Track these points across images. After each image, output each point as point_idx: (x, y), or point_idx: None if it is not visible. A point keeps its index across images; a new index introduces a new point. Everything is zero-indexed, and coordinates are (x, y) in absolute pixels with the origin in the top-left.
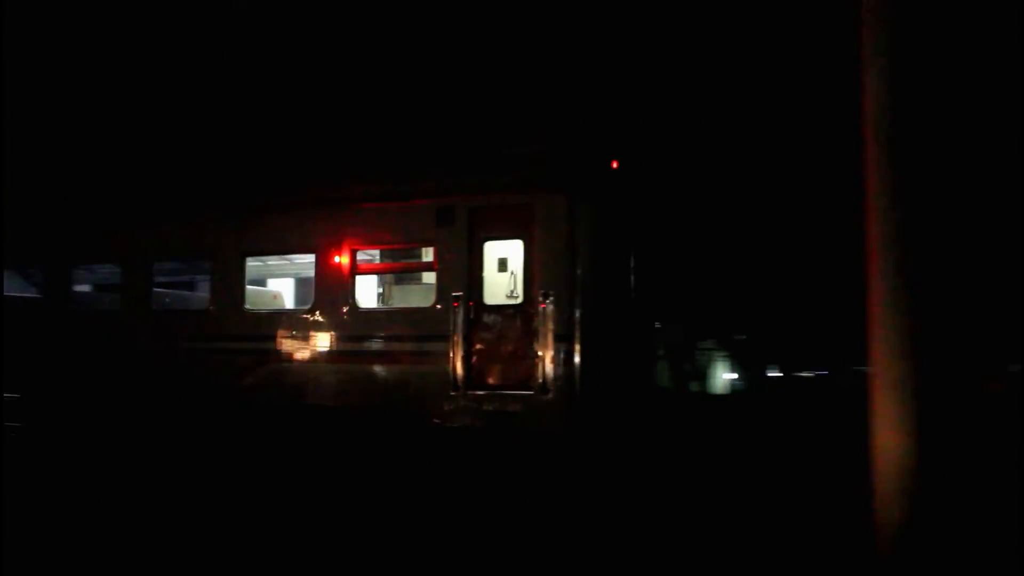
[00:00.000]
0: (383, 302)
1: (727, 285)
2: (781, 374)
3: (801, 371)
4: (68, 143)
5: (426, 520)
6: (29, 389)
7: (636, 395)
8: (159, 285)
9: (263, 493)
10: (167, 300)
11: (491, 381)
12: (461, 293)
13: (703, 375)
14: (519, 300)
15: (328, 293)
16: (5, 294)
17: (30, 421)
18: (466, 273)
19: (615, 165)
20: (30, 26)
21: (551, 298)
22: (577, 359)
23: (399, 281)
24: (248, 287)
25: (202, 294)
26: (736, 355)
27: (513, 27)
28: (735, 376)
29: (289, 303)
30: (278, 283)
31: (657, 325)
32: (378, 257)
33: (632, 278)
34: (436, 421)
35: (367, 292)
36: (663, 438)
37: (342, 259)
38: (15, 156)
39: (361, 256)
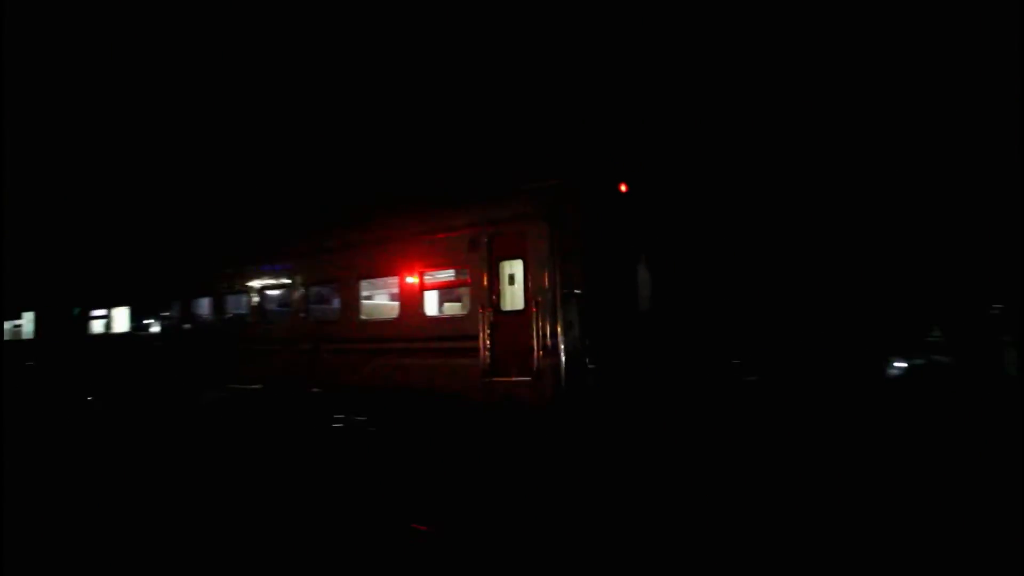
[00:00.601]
0: (439, 311)
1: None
2: None
3: None
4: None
5: (468, 459)
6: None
7: (614, 383)
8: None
9: (386, 437)
10: (314, 314)
11: (505, 370)
12: (484, 302)
13: None
14: (521, 307)
15: (407, 306)
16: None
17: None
18: (488, 286)
19: (581, 201)
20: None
21: (540, 305)
22: (562, 355)
23: (446, 293)
24: (363, 302)
25: (335, 307)
26: None
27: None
28: None
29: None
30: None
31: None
32: (437, 276)
33: (605, 287)
34: (474, 400)
35: (431, 304)
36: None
37: (414, 279)
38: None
39: (426, 277)
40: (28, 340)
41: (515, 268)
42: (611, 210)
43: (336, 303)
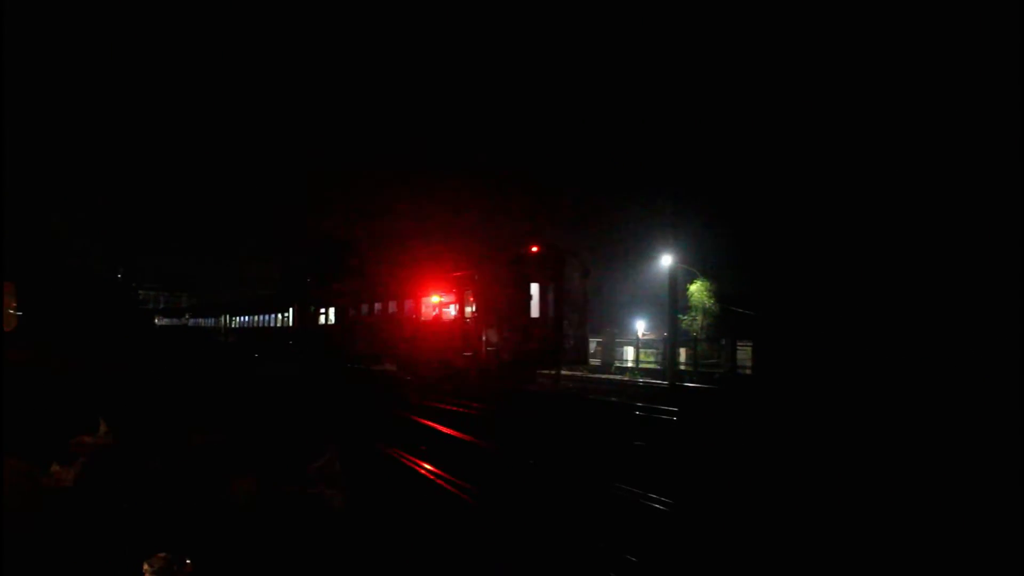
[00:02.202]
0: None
1: None
2: None
3: None
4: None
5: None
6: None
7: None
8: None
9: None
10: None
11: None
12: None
13: None
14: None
15: (422, 314)
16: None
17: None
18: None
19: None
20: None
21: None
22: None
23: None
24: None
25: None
26: None
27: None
28: None
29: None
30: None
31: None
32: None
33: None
34: (453, 362)
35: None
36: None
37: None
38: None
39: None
40: (287, 328)
41: (469, 299)
42: (509, 270)
43: (393, 311)
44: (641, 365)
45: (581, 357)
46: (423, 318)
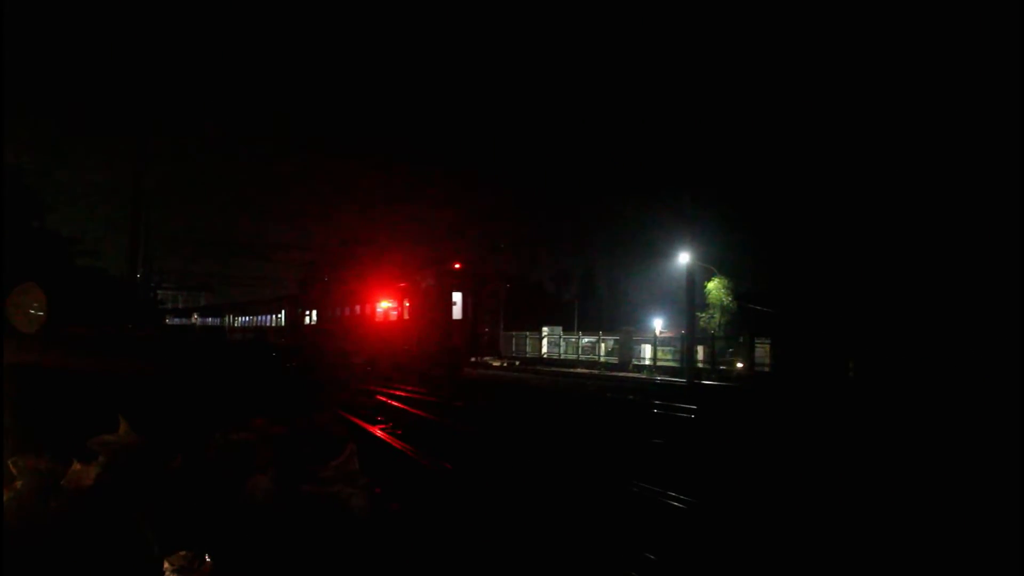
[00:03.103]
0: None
1: None
2: None
3: None
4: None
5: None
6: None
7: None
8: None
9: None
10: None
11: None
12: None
13: None
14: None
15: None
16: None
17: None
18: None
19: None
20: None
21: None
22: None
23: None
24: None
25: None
26: None
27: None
28: None
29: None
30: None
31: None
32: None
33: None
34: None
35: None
36: None
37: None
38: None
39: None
40: (280, 327)
41: (408, 304)
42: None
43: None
44: (659, 363)
45: (493, 351)
46: (377, 320)
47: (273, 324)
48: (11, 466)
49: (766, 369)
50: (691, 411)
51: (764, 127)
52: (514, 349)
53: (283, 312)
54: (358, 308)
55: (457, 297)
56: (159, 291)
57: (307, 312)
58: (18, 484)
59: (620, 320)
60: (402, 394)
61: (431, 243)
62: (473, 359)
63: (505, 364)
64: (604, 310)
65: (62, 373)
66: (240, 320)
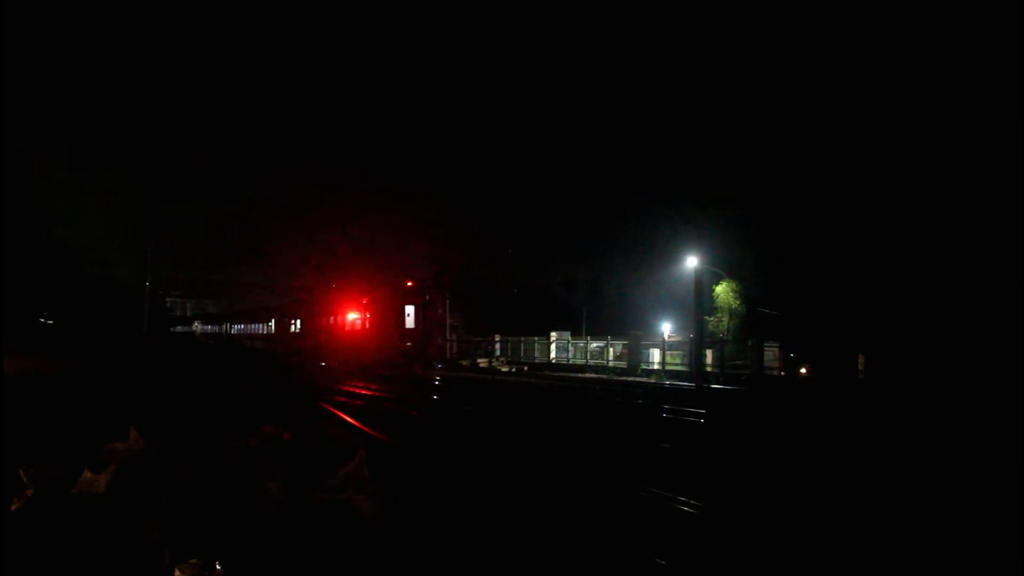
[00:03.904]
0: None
1: None
2: None
3: None
4: None
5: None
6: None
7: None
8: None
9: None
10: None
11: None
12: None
13: None
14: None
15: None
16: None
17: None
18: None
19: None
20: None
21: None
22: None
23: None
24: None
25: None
26: None
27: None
28: None
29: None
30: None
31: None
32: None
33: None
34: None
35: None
36: None
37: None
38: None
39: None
40: (270, 334)
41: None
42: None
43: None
44: (667, 367)
45: (440, 356)
46: (346, 328)
47: (264, 332)
48: (21, 474)
49: (775, 373)
50: (700, 415)
51: (772, 129)
52: (522, 355)
53: (272, 321)
54: (331, 319)
55: (410, 310)
56: (168, 299)
57: (292, 322)
58: (28, 493)
59: (628, 324)
60: (367, 393)
61: (398, 263)
62: (465, 362)
63: (513, 369)
64: (612, 314)
65: (65, 380)
66: (236, 327)
